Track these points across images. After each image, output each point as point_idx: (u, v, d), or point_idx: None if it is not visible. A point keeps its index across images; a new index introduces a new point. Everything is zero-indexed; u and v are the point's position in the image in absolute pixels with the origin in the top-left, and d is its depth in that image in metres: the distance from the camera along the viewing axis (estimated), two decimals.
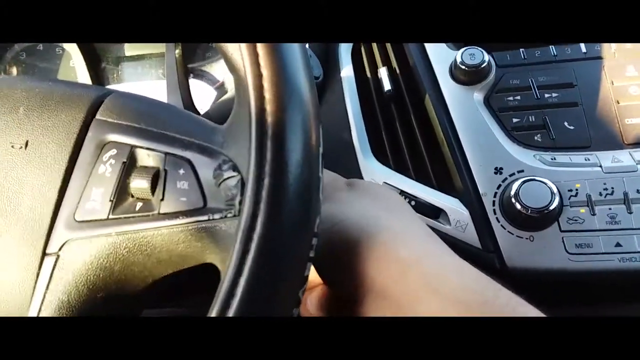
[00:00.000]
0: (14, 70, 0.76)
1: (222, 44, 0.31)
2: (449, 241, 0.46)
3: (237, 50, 0.30)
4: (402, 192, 0.50)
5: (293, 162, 0.28)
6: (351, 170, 0.53)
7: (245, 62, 0.29)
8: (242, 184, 0.30)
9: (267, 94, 0.28)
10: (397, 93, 0.56)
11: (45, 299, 0.31)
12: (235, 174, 0.31)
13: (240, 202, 0.30)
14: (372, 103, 0.57)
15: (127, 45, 0.74)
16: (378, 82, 0.57)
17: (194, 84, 0.69)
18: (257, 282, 0.27)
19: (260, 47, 0.29)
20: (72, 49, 0.74)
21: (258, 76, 0.28)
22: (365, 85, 0.58)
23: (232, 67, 0.32)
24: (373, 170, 0.53)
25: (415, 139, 0.53)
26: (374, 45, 0.60)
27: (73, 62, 0.75)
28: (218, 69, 0.70)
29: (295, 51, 0.30)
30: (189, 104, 0.66)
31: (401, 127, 0.54)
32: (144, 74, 0.72)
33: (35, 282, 0.32)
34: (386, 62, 0.58)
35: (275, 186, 0.27)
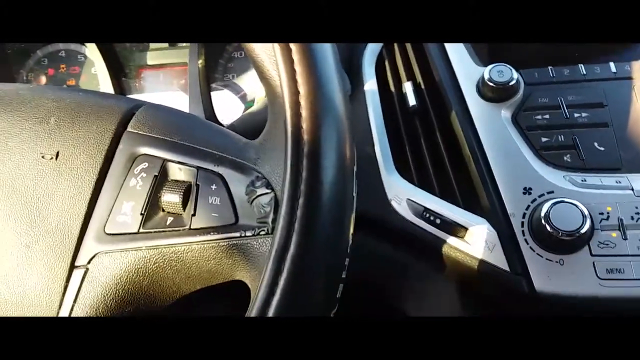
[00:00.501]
0: (43, 78, 0.76)
1: (259, 60, 0.31)
2: (474, 262, 0.46)
3: (274, 67, 0.30)
4: (426, 210, 0.50)
5: (328, 182, 0.28)
6: (374, 186, 0.53)
7: (282, 78, 0.29)
8: (276, 202, 0.30)
9: (304, 112, 0.28)
10: (422, 108, 0.55)
11: (72, 312, 0.31)
12: (268, 191, 0.31)
13: (274, 221, 0.30)
14: (396, 118, 0.57)
15: (149, 54, 0.74)
16: (402, 96, 0.57)
17: (216, 95, 0.69)
18: (290, 303, 0.27)
19: (298, 64, 0.29)
20: (94, 56, 0.75)
21: (295, 93, 0.28)
22: (389, 99, 0.58)
23: (267, 84, 0.32)
24: (396, 186, 0.52)
25: (440, 155, 0.53)
26: (398, 59, 0.59)
27: (95, 69, 0.75)
28: (240, 81, 0.70)
29: (331, 68, 0.30)
30: (210, 114, 0.66)
31: (425, 143, 0.54)
32: (166, 83, 0.72)
33: (63, 295, 0.32)
34: (411, 77, 0.58)
35: (310, 206, 0.27)
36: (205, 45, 0.67)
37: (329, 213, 0.28)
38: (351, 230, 0.30)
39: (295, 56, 0.29)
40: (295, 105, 0.28)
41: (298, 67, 0.28)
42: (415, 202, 0.50)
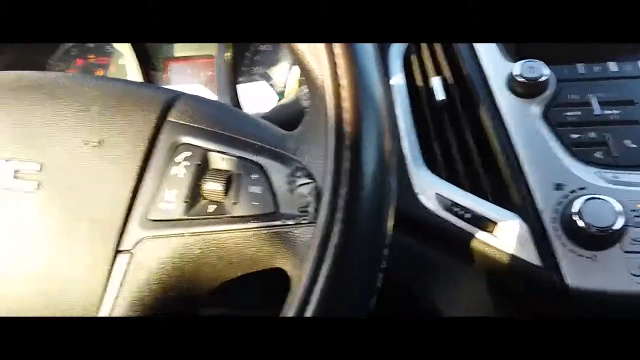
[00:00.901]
0: (71, 68, 0.77)
1: (300, 53, 0.32)
2: (504, 257, 0.46)
3: (315, 59, 0.31)
4: (454, 204, 0.50)
5: (370, 173, 0.28)
6: (402, 180, 0.53)
7: (324, 71, 0.29)
8: (317, 191, 0.31)
9: (346, 103, 0.28)
10: (450, 102, 0.55)
11: (119, 296, 0.32)
12: (309, 181, 0.31)
13: (315, 210, 0.30)
14: (423, 112, 0.57)
15: (176, 46, 0.75)
16: (429, 90, 0.57)
17: (243, 87, 0.70)
18: (332, 291, 0.27)
19: (340, 57, 0.29)
20: (123, 48, 0.76)
21: (336, 85, 0.29)
22: (416, 93, 0.58)
23: (308, 75, 0.32)
24: (424, 180, 0.52)
25: (468, 150, 0.53)
26: (425, 53, 0.59)
27: (123, 60, 0.76)
28: (270, 72, 0.70)
29: (371, 61, 0.30)
30: (236, 106, 0.66)
31: (454, 137, 0.54)
32: (193, 75, 0.73)
33: (107, 279, 0.32)
34: (438, 72, 0.58)
35: (352, 196, 0.27)
36: None
37: (371, 203, 0.28)
38: (391, 222, 0.30)
39: (337, 49, 0.29)
40: (337, 96, 0.28)
41: (340, 59, 0.29)
42: (443, 197, 0.51)
